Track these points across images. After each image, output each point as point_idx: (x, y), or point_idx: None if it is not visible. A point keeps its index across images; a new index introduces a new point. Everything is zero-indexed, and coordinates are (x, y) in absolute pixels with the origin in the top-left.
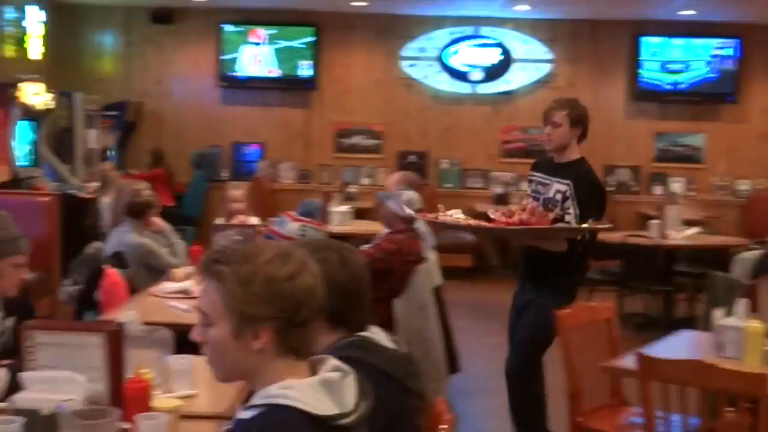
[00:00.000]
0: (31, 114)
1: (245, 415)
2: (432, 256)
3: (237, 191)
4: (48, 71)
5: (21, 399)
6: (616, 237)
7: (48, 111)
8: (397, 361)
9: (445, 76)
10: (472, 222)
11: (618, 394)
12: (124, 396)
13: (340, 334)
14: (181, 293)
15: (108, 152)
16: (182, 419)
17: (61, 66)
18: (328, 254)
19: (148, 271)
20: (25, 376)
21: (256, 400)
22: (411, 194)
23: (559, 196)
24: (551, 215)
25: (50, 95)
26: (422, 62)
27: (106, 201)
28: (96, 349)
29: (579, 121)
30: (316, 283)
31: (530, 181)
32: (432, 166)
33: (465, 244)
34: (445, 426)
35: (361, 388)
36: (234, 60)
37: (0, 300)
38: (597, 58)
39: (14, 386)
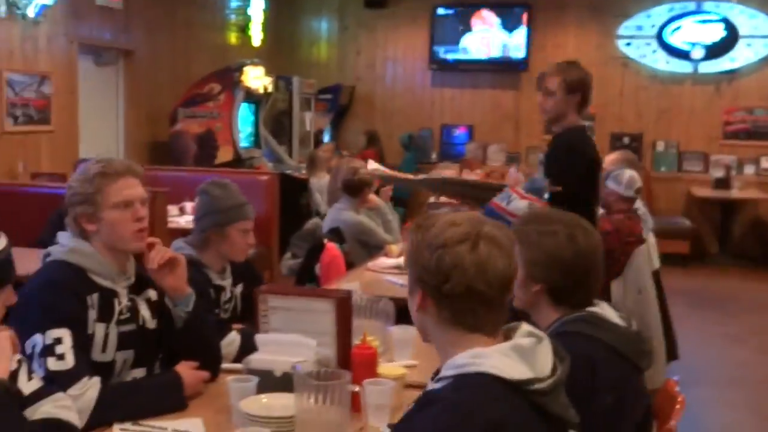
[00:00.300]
0: (252, 97)
1: (435, 386)
2: (651, 239)
3: (448, 171)
4: (268, 56)
5: (255, 360)
6: None
7: (267, 94)
8: (628, 339)
9: (663, 55)
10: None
11: None
12: (352, 361)
13: (562, 312)
14: (397, 268)
15: (322, 134)
16: (405, 388)
17: (280, 51)
18: (557, 228)
19: (364, 247)
20: (259, 338)
21: (445, 371)
22: (631, 173)
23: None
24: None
25: (269, 79)
26: (639, 41)
27: (314, 181)
28: (326, 315)
29: (576, 87)
30: (473, 262)
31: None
32: (647, 149)
33: (683, 229)
34: (678, 407)
35: (558, 354)
36: (446, 43)
37: (228, 266)
38: None
39: (245, 349)
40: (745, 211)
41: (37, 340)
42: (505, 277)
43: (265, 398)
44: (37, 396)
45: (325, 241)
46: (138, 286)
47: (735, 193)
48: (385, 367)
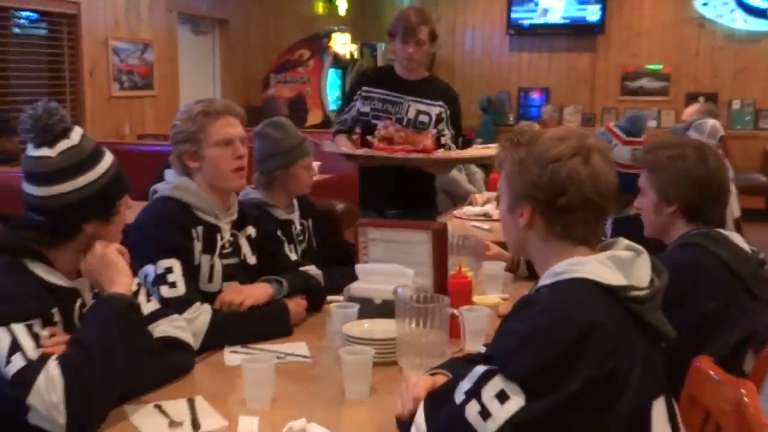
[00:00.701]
0: (339, 62)
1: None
2: (733, 188)
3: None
4: (353, 24)
5: (356, 288)
6: None
7: (354, 60)
8: (746, 261)
9: (740, 14)
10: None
11: None
12: (449, 290)
13: (696, 226)
14: (482, 216)
15: None
16: (498, 318)
17: (364, 19)
18: (687, 151)
19: (450, 197)
20: (359, 268)
21: (544, 280)
22: (714, 122)
23: (426, 118)
24: (430, 135)
25: (355, 46)
26: (716, 1)
27: None
28: (422, 246)
29: (436, 37)
30: (589, 174)
31: (366, 98)
32: (722, 108)
33: (759, 185)
34: None
35: (656, 268)
36: (523, 8)
37: (295, 201)
38: None
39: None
40: None
41: (149, 270)
42: (614, 187)
43: (366, 323)
44: (155, 316)
45: None
46: (240, 223)
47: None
48: (479, 298)
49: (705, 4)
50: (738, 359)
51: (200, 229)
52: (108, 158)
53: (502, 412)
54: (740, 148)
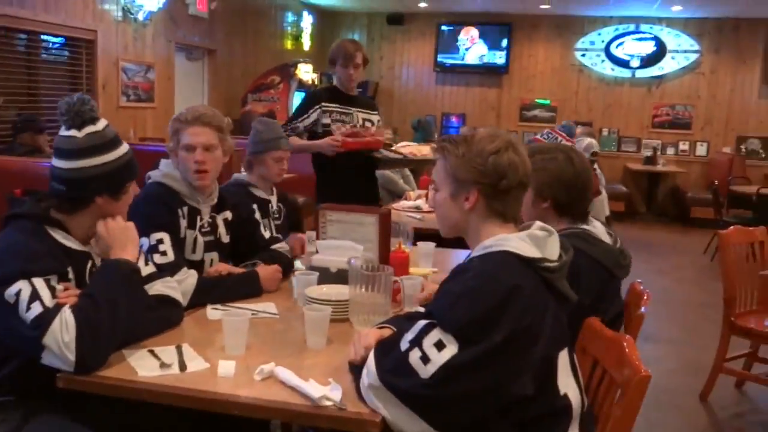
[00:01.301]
0: (303, 86)
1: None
2: (604, 192)
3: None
4: (314, 57)
5: (316, 259)
6: (751, 190)
7: (314, 84)
8: (610, 254)
9: (609, 64)
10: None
11: (766, 302)
12: (391, 262)
13: (565, 223)
14: (414, 208)
15: None
16: None
17: (324, 54)
18: (557, 154)
19: (389, 193)
20: (319, 243)
21: (475, 252)
22: (590, 140)
23: (369, 123)
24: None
25: (316, 74)
26: (591, 52)
27: None
28: (370, 226)
29: (368, 61)
30: (519, 161)
31: (324, 112)
32: (595, 134)
33: (620, 193)
34: (645, 297)
35: (563, 246)
36: (447, 51)
37: (274, 189)
38: (737, 49)
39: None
40: (666, 182)
41: (144, 241)
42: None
43: (324, 288)
44: (150, 278)
45: None
46: (219, 207)
47: (659, 168)
48: (414, 269)
49: (583, 55)
50: (616, 329)
51: (185, 209)
52: (125, 147)
53: (439, 358)
54: (608, 165)
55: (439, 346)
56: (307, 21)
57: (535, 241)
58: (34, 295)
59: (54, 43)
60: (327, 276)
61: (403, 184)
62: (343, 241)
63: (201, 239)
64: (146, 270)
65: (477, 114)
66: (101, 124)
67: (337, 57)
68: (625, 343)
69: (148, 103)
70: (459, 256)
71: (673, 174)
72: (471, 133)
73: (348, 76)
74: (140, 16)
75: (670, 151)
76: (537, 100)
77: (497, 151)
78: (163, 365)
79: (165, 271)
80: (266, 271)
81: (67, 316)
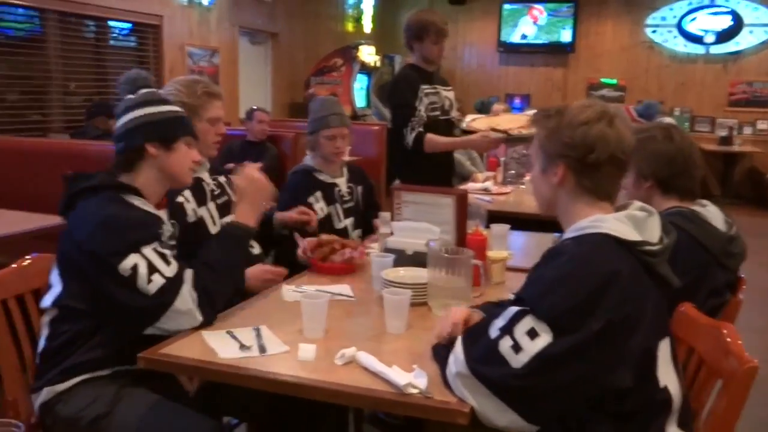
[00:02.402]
0: (365, 69)
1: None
2: None
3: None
4: (376, 39)
5: (391, 241)
6: None
7: (376, 68)
8: (715, 237)
9: (681, 40)
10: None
11: None
12: (468, 245)
13: (673, 202)
14: (483, 190)
15: None
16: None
17: (385, 36)
18: (654, 132)
19: (455, 175)
20: (395, 225)
21: (568, 234)
22: (669, 121)
23: (448, 102)
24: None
25: (378, 57)
26: (662, 28)
27: None
28: (447, 208)
29: None
30: (613, 134)
31: (427, 94)
32: (667, 114)
33: None
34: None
35: (665, 228)
36: (510, 31)
37: (345, 168)
38: None
39: None
40: (742, 163)
41: None
42: (633, 147)
43: (401, 270)
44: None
45: None
46: (214, 170)
47: (735, 148)
48: (492, 252)
49: (654, 31)
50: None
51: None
52: (176, 108)
53: (532, 347)
54: None
55: (532, 334)
56: (368, 2)
57: (634, 222)
58: (152, 268)
59: (121, 29)
60: (402, 258)
61: (470, 165)
62: (418, 222)
63: (213, 208)
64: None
65: (542, 94)
66: (154, 87)
67: (425, 32)
68: (725, 331)
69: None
70: (535, 239)
71: (750, 154)
72: (566, 104)
73: (439, 52)
74: (205, 1)
75: (747, 130)
76: (602, 80)
77: (587, 122)
78: (242, 347)
79: None
80: (254, 271)
81: (188, 287)
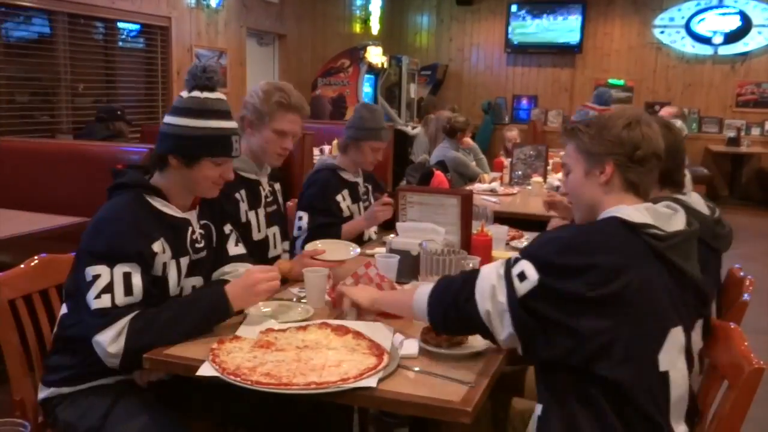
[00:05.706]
0: (372, 70)
1: None
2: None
3: (511, 132)
4: (383, 41)
5: (396, 242)
6: None
7: (384, 69)
8: (705, 222)
9: (689, 41)
10: None
11: None
12: (473, 245)
13: (666, 192)
14: (490, 191)
15: (423, 101)
16: None
17: (392, 37)
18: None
19: (461, 176)
20: (399, 225)
21: None
22: (681, 123)
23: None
24: None
25: (385, 58)
26: (670, 29)
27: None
28: (452, 208)
29: None
30: (653, 134)
31: None
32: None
33: (701, 176)
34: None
35: (689, 224)
36: (517, 32)
37: (360, 171)
38: None
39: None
40: (750, 164)
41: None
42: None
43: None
44: (240, 258)
45: (434, 169)
46: (272, 176)
47: (743, 149)
48: (497, 252)
49: (662, 32)
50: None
51: (243, 191)
52: (215, 123)
53: (521, 288)
54: (688, 146)
55: (521, 277)
56: (376, 4)
57: (653, 213)
58: (108, 288)
59: (130, 30)
60: (407, 259)
61: (475, 167)
62: (423, 223)
63: (263, 215)
64: (235, 250)
65: (549, 95)
66: (210, 93)
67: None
68: (732, 332)
69: (221, 88)
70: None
71: (758, 155)
72: (601, 114)
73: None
74: (213, 3)
75: (756, 131)
76: (610, 81)
77: (629, 124)
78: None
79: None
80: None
81: (119, 328)
